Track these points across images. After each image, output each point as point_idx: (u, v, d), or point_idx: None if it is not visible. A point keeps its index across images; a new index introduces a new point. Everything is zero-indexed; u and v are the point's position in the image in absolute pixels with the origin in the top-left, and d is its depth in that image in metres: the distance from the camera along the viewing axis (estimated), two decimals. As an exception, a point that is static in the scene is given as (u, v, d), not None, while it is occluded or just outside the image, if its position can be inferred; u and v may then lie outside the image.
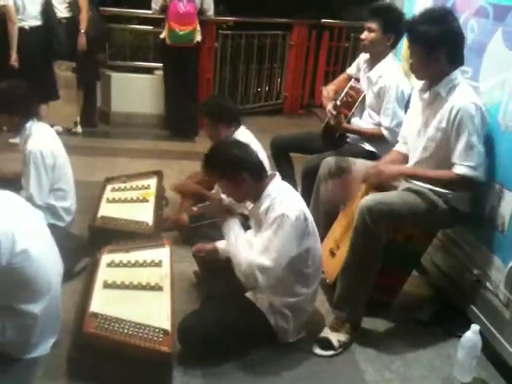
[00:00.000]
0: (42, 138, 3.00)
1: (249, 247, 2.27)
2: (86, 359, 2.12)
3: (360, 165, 2.92)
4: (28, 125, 2.98)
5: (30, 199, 2.79)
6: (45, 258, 2.18)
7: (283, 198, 2.26)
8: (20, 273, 2.05)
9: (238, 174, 2.26)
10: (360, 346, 2.50)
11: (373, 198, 2.45)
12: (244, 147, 2.37)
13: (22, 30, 4.67)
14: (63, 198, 3.08)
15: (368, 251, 2.40)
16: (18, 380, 2.12)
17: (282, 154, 3.55)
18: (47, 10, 4.76)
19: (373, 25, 3.14)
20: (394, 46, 3.23)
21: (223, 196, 3.26)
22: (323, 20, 6.76)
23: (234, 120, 3.26)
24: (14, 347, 2.16)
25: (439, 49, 2.37)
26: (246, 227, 2.67)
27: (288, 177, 3.27)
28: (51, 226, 2.56)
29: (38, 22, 4.74)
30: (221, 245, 2.56)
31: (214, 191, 3.48)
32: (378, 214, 2.36)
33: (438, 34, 2.33)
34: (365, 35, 3.19)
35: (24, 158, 2.94)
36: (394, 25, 3.12)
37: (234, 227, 2.36)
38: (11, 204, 2.18)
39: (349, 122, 3.32)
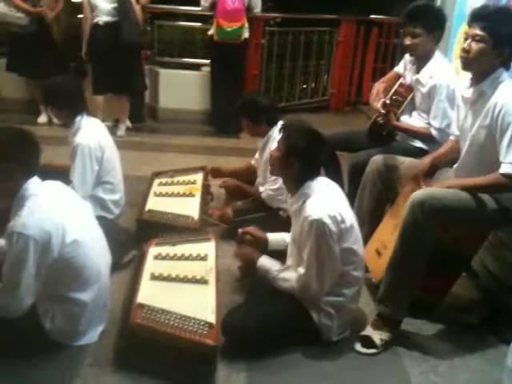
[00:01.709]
0: (91, 132, 3.07)
1: (290, 275, 2.31)
2: (132, 349, 2.17)
3: (408, 163, 2.86)
4: (78, 119, 3.06)
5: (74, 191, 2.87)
6: (94, 248, 2.23)
7: (318, 198, 2.24)
8: (70, 263, 2.11)
9: (291, 158, 2.26)
10: (405, 347, 2.45)
11: (424, 192, 2.39)
12: (315, 139, 2.32)
13: (95, 25, 4.88)
14: (112, 191, 3.15)
15: (416, 246, 2.35)
16: (65, 367, 2.17)
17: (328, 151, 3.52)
18: (122, 7, 4.88)
19: (416, 29, 3.04)
20: (438, 41, 3.15)
21: (261, 189, 3.29)
22: (372, 16, 6.67)
23: (271, 116, 3.25)
24: (62, 334, 2.22)
25: (506, 48, 2.31)
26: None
27: (334, 175, 3.23)
28: (100, 218, 2.62)
29: (112, 18, 4.88)
30: (271, 236, 2.58)
31: (257, 182, 3.49)
32: (430, 209, 2.30)
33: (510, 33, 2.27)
34: (410, 41, 3.09)
35: (72, 150, 3.02)
36: (436, 23, 3.05)
37: (265, 265, 2.41)
38: (62, 195, 2.24)
39: (397, 120, 3.26)
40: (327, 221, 2.16)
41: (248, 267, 2.51)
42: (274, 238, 2.62)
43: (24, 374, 2.10)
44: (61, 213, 2.12)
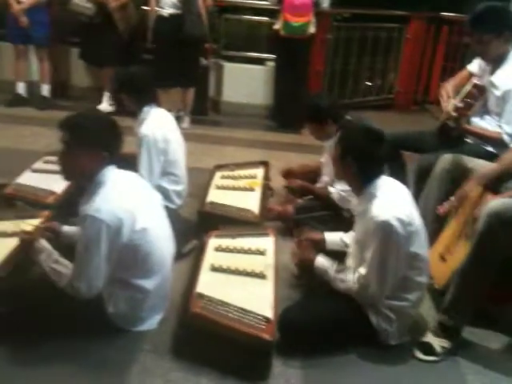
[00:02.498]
0: (157, 123, 3.13)
1: (348, 276, 2.28)
2: (189, 337, 2.21)
3: (478, 166, 2.75)
4: (146, 109, 3.13)
5: None
6: (160, 237, 2.29)
7: (386, 199, 2.19)
8: (137, 249, 2.16)
9: (346, 157, 2.24)
10: (466, 357, 2.37)
11: (502, 202, 2.30)
12: (374, 137, 2.27)
13: (160, 16, 4.99)
14: (176, 182, 3.21)
15: (490, 257, 2.26)
16: (125, 351, 2.23)
17: (393, 151, 3.43)
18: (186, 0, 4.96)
19: (483, 36, 2.91)
20: (511, 40, 3.00)
21: (331, 189, 3.25)
22: (443, 13, 6.46)
23: (336, 115, 3.20)
24: (123, 319, 2.28)
25: None
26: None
27: (399, 175, 3.15)
28: (163, 208, 2.67)
29: (176, 10, 4.97)
30: (328, 236, 2.54)
31: (318, 185, 3.47)
32: (507, 220, 2.21)
33: None
34: (480, 49, 2.96)
35: (138, 141, 3.10)
36: (503, 24, 2.90)
37: (323, 265, 2.39)
38: (135, 184, 2.30)
39: (468, 121, 3.14)
40: (395, 223, 2.11)
41: (306, 267, 2.49)
42: (331, 238, 2.59)
43: (85, 354, 2.17)
44: (133, 201, 2.18)
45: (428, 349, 2.33)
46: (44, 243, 2.27)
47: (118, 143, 2.23)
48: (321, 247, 2.56)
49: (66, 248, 2.32)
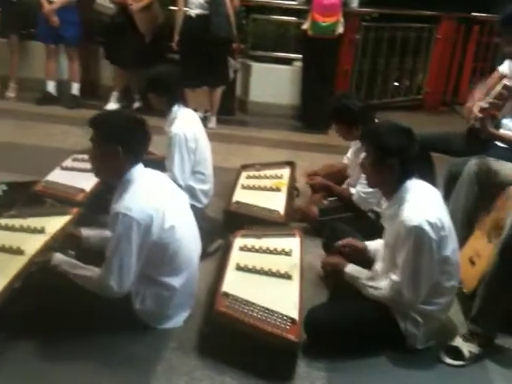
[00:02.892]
0: (187, 122, 3.16)
1: (381, 283, 2.24)
2: (215, 336, 2.21)
3: (506, 168, 2.70)
4: (175, 108, 3.16)
5: (172, 179, 2.96)
6: (188, 236, 2.31)
7: (418, 203, 2.15)
8: (166, 248, 2.19)
9: (387, 160, 2.17)
10: (495, 363, 2.32)
11: None
12: (407, 135, 2.22)
13: (188, 17, 5.02)
14: (202, 181, 3.23)
15: None
16: (151, 348, 2.25)
17: (421, 152, 3.38)
18: (214, 1, 4.97)
19: None
20: None
21: (352, 190, 3.22)
22: (473, 13, 6.35)
23: (366, 117, 3.16)
24: (150, 317, 2.30)
25: None
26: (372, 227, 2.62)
27: (428, 177, 3.10)
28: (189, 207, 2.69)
29: (204, 11, 4.98)
30: (370, 245, 2.51)
31: (344, 186, 3.44)
32: None
33: None
34: (510, 50, 2.91)
35: (169, 140, 3.12)
36: None
37: (354, 273, 2.35)
38: (163, 183, 2.33)
39: (498, 123, 3.08)
40: (427, 227, 2.07)
41: (336, 275, 2.44)
42: (373, 246, 2.53)
43: (112, 351, 2.20)
44: (161, 199, 2.21)
45: (456, 353, 2.29)
46: (59, 257, 2.30)
47: (145, 142, 2.26)
48: (362, 256, 2.50)
49: (87, 255, 2.37)
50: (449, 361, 2.28)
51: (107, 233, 2.42)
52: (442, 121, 6.05)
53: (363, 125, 3.12)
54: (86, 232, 2.54)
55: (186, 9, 5.06)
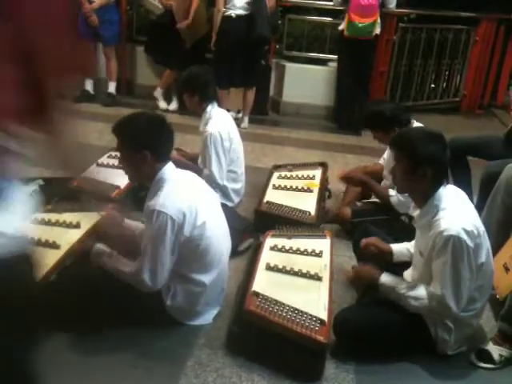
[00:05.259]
0: (221, 122, 3.20)
1: (421, 293, 2.16)
2: (243, 335, 2.22)
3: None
4: (208, 108, 3.20)
5: (211, 178, 3.01)
6: (218, 233, 2.34)
7: (453, 211, 2.10)
8: (197, 244, 2.22)
9: (420, 168, 2.12)
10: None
11: None
12: (439, 142, 2.18)
13: (227, 17, 5.02)
14: (235, 180, 3.25)
15: None
16: (180, 343, 2.28)
17: (458, 157, 3.31)
18: (256, 1, 4.98)
19: None
20: None
21: (391, 192, 3.17)
22: (514, 15, 6.21)
23: (401, 120, 3.12)
24: (180, 312, 2.33)
25: None
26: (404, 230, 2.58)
27: (464, 182, 3.06)
28: (221, 206, 2.71)
29: (244, 12, 5.01)
30: (395, 247, 2.48)
31: (382, 184, 3.39)
32: None
33: None
34: None
35: (205, 139, 3.15)
36: None
37: (389, 283, 2.25)
38: (193, 182, 2.37)
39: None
40: (464, 236, 2.03)
41: (369, 286, 2.36)
42: (399, 248, 2.49)
43: (142, 345, 2.24)
44: (194, 197, 2.25)
45: (486, 356, 2.26)
46: (101, 246, 2.35)
47: (170, 140, 2.29)
48: (387, 259, 2.47)
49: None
50: (479, 363, 2.26)
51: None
52: (478, 124, 5.94)
53: (399, 127, 3.09)
54: (128, 220, 2.55)
55: (225, 9, 5.08)
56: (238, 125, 5.04)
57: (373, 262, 2.41)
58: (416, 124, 3.17)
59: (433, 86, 6.53)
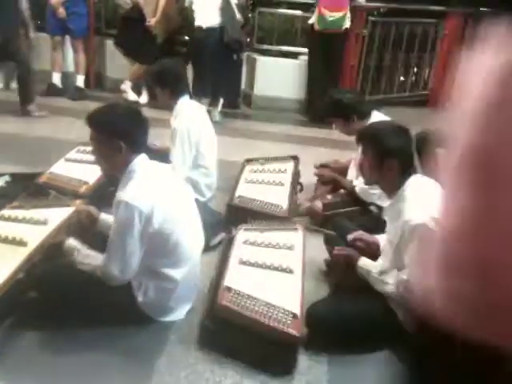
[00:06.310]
0: (191, 116, 3.16)
1: (390, 279, 2.20)
2: (216, 330, 2.21)
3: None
4: (179, 101, 3.15)
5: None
6: (189, 228, 2.32)
7: (420, 200, 2.13)
8: (168, 238, 2.19)
9: (386, 160, 2.17)
10: None
11: None
12: (405, 135, 2.25)
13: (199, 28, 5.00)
14: (206, 174, 3.23)
15: None
16: (153, 340, 2.26)
17: (429, 149, 3.37)
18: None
19: None
20: None
21: (355, 182, 3.21)
22: (482, 9, 6.30)
23: (362, 110, 3.16)
24: (152, 309, 2.31)
25: None
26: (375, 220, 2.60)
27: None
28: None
29: (216, 22, 5.00)
30: (382, 240, 2.49)
31: (348, 178, 3.43)
32: None
33: None
34: None
35: (172, 133, 3.12)
36: None
37: (366, 265, 2.32)
38: (164, 175, 2.34)
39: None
40: (431, 224, 2.05)
41: (348, 267, 2.40)
42: (382, 241, 2.49)
43: (114, 343, 2.21)
44: (164, 190, 2.22)
45: None
46: (72, 242, 2.30)
47: (145, 132, 2.26)
48: (373, 251, 2.48)
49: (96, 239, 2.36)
50: None
51: None
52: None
53: (359, 118, 3.13)
54: (104, 216, 2.52)
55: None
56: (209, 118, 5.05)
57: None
58: (377, 115, 3.20)
59: (402, 79, 6.59)
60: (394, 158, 2.16)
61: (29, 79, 4.94)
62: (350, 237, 2.52)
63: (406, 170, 2.20)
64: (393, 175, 2.19)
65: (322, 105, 5.01)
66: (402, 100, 6.37)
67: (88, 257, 2.22)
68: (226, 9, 4.96)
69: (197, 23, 5.00)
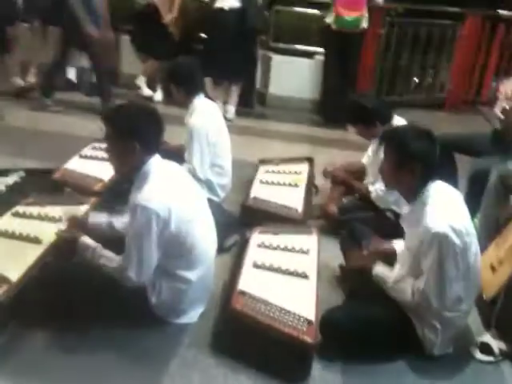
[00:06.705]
0: (207, 114, 3.14)
1: (407, 287, 2.17)
2: (230, 334, 2.20)
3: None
4: (195, 100, 3.13)
5: (192, 172, 2.94)
6: (205, 230, 2.30)
7: (441, 208, 2.09)
8: (183, 240, 2.17)
9: (409, 164, 2.12)
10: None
11: None
12: (429, 139, 2.16)
13: (220, 9, 4.94)
14: (221, 174, 3.21)
15: None
16: (166, 343, 2.24)
17: (445, 153, 3.31)
18: None
19: None
20: None
21: (371, 188, 3.16)
22: (500, 11, 6.22)
23: (383, 115, 3.11)
24: (165, 310, 2.29)
25: None
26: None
27: (450, 178, 3.05)
28: (207, 200, 2.66)
29: (237, 4, 4.94)
30: (397, 245, 2.45)
31: (366, 182, 3.38)
32: None
33: None
34: None
35: (188, 132, 3.10)
36: None
37: (382, 273, 2.28)
38: (179, 176, 2.31)
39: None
40: (452, 234, 2.02)
41: (364, 275, 2.36)
42: (399, 248, 2.44)
43: (127, 344, 2.19)
44: (179, 191, 2.20)
45: (486, 349, 2.30)
46: (87, 240, 2.27)
47: (160, 132, 2.23)
48: (391, 259, 2.42)
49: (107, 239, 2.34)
50: (479, 356, 2.30)
51: (115, 220, 2.43)
52: (463, 120, 5.95)
53: (382, 123, 3.08)
54: (92, 219, 2.51)
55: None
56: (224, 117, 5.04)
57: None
58: (398, 119, 3.16)
59: (417, 81, 6.51)
60: (417, 163, 2.11)
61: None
62: (368, 247, 2.47)
63: (429, 176, 2.15)
64: (414, 180, 2.14)
65: (342, 109, 5.00)
66: (418, 102, 6.29)
67: (103, 257, 2.20)
68: None
69: (217, 5, 4.94)
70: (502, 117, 2.86)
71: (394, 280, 2.23)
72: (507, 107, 2.89)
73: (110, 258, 2.19)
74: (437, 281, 2.07)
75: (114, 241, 2.27)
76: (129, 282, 2.13)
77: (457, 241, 2.03)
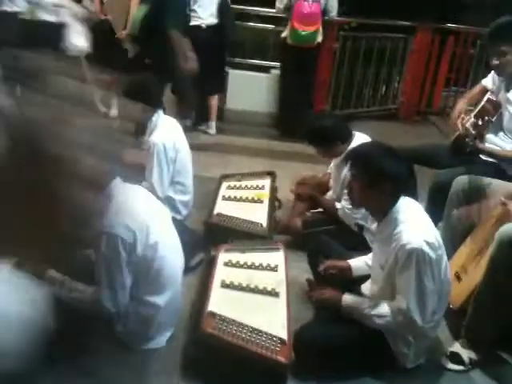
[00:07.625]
0: (167, 131, 3.07)
1: (385, 310, 2.12)
2: (201, 357, 2.13)
3: (497, 186, 2.69)
4: (154, 117, 3.06)
5: (151, 191, 2.85)
6: (171, 251, 2.23)
7: (413, 223, 2.09)
8: (150, 265, 2.10)
9: (380, 184, 2.10)
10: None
11: None
12: (399, 158, 2.16)
13: (197, 27, 4.89)
14: (183, 191, 3.14)
15: (505, 286, 2.20)
16: (134, 372, 2.14)
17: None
18: (223, 10, 4.93)
19: (502, 48, 2.83)
20: None
21: (338, 205, 3.16)
22: (449, 24, 6.43)
23: (343, 134, 3.12)
24: (132, 337, 2.20)
25: None
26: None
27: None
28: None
29: (215, 21, 4.92)
30: (353, 263, 2.44)
31: (327, 197, 3.39)
32: None
33: None
34: (497, 60, 2.88)
35: (148, 149, 3.02)
36: None
37: (352, 303, 2.20)
38: (142, 198, 2.24)
39: (482, 137, 3.07)
40: (427, 249, 2.02)
41: (332, 309, 2.26)
42: (357, 264, 2.45)
43: (92, 374, 2.08)
44: (144, 214, 2.12)
45: (456, 359, 2.31)
46: (53, 273, 2.16)
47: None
48: (347, 275, 2.42)
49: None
50: (450, 365, 2.31)
51: None
52: (416, 131, 6.08)
53: (342, 141, 3.09)
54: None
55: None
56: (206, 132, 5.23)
57: (333, 280, 2.37)
58: (359, 136, 3.16)
59: (371, 93, 6.63)
60: (388, 181, 2.09)
61: None
62: (321, 268, 2.42)
63: (399, 193, 2.14)
64: (385, 198, 2.13)
65: (299, 123, 5.03)
66: (372, 114, 6.41)
67: (73, 290, 2.10)
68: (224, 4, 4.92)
69: (194, 23, 4.88)
70: (473, 132, 2.88)
71: (369, 306, 2.16)
72: (479, 122, 2.91)
73: (81, 291, 2.10)
74: (418, 297, 2.05)
75: (86, 271, 2.17)
76: (105, 312, 2.05)
77: (432, 254, 2.03)
